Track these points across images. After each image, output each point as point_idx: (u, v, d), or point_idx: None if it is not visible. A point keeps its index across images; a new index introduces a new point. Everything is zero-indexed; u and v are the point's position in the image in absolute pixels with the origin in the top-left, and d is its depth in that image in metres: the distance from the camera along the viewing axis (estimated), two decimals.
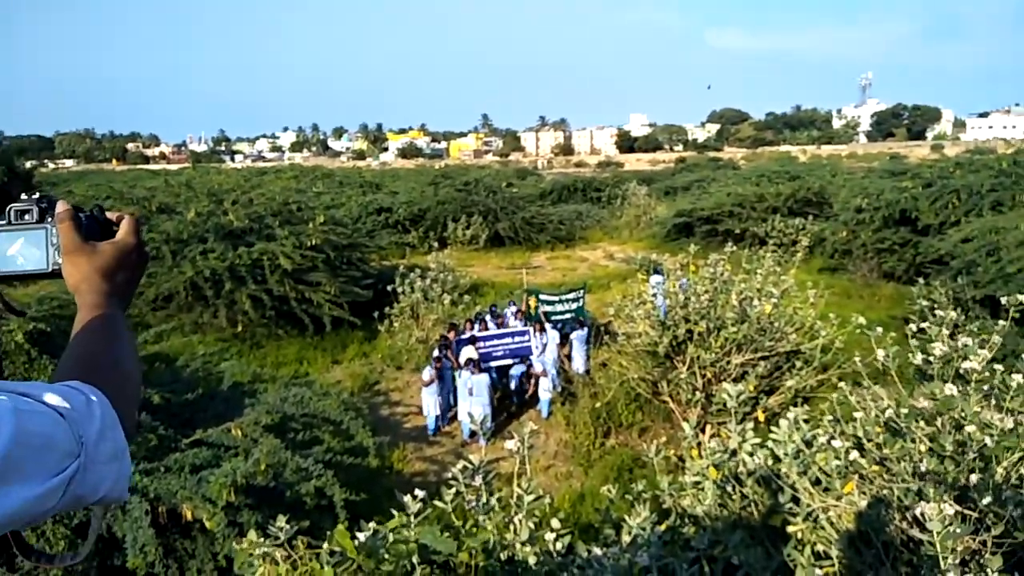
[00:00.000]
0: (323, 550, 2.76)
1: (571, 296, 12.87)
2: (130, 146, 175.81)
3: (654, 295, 9.21)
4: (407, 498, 3.19)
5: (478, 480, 3.51)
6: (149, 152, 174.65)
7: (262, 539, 2.94)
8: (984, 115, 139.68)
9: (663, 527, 3.83)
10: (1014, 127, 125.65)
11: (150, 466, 5.85)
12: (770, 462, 4.15)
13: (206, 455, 6.08)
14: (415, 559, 2.69)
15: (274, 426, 6.96)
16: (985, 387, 3.74)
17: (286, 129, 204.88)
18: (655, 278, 12.06)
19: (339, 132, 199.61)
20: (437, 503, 3.44)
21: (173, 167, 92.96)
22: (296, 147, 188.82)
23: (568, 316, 12.52)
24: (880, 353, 4.23)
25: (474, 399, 9.93)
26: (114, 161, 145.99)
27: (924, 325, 4.30)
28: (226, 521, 5.48)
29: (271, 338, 14.28)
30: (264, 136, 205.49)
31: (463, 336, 11.69)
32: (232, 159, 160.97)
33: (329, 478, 6.20)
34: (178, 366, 8.72)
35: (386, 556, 2.63)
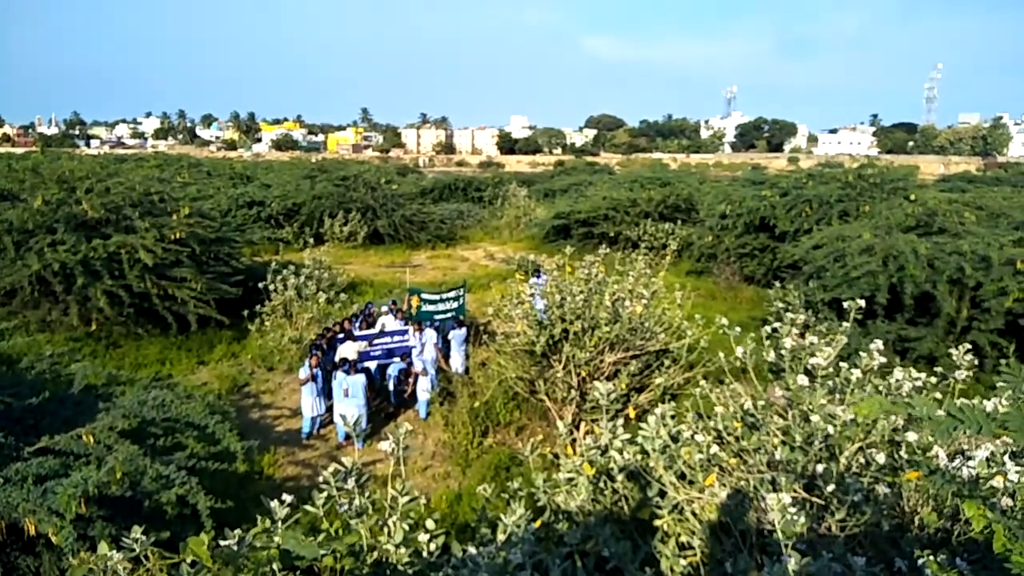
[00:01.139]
0: (182, 559, 2.61)
1: (452, 295, 12.84)
2: None
3: (532, 295, 9.37)
4: (274, 503, 3.07)
5: (351, 483, 3.44)
6: None
7: (113, 552, 2.73)
8: (834, 131, 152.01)
9: (537, 524, 3.89)
10: (859, 143, 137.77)
11: None
12: (639, 457, 4.31)
13: (53, 464, 5.59)
14: (276, 566, 2.59)
15: (131, 432, 6.49)
16: (830, 382, 4.06)
17: (149, 114, 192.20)
18: (535, 279, 12.26)
19: (208, 120, 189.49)
20: (307, 508, 3.34)
21: (18, 150, 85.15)
22: (160, 134, 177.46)
23: (449, 315, 12.49)
24: (739, 351, 4.51)
25: (349, 400, 9.71)
26: None
27: (776, 325, 4.60)
28: (75, 535, 5.07)
29: (130, 337, 13.35)
30: (124, 121, 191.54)
31: (339, 336, 11.43)
32: (88, 144, 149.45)
33: (193, 485, 5.86)
34: (21, 368, 7.95)
35: (245, 564, 2.52)
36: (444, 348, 12.09)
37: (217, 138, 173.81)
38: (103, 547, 2.75)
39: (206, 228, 15.07)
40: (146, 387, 7.62)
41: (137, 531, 2.75)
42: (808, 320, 5.57)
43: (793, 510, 2.91)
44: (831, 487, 3.43)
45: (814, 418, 3.75)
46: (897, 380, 4.17)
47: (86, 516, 5.21)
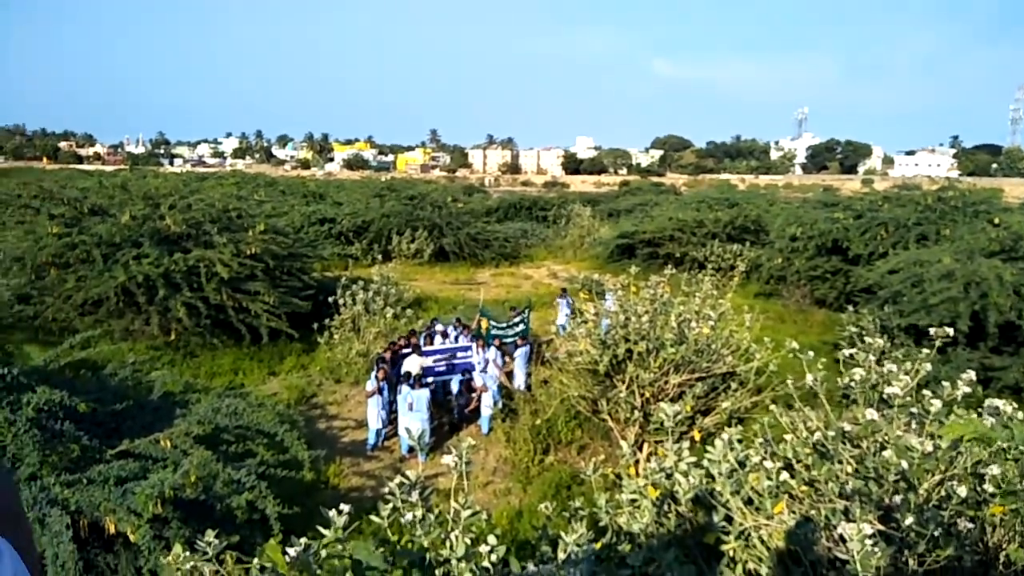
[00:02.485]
0: (253, 565, 2.69)
1: (517, 320, 13.06)
2: (63, 145, 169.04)
3: (595, 314, 9.32)
4: (332, 512, 3.14)
5: (415, 495, 3.48)
6: (83, 152, 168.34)
7: (189, 554, 2.84)
8: (911, 153, 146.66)
9: (599, 544, 3.85)
10: (938, 165, 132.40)
11: (72, 478, 5.60)
12: (705, 481, 4.22)
13: (132, 467, 5.85)
14: (348, 575, 2.64)
15: (205, 437, 6.75)
16: (911, 410, 3.90)
17: (229, 135, 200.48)
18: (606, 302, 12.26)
19: (284, 140, 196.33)
20: (373, 518, 3.39)
21: (108, 168, 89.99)
22: (238, 153, 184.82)
23: (514, 337, 12.67)
24: (809, 377, 4.38)
25: (413, 414, 9.84)
26: (45, 159, 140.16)
27: (853, 351, 4.46)
28: (151, 535, 5.28)
29: (206, 347, 13.87)
30: (205, 141, 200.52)
31: (404, 351, 11.62)
32: (171, 163, 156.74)
33: (262, 490, 6.04)
34: (106, 374, 8.37)
35: (319, 572, 2.57)
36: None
37: (292, 157, 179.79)
38: (177, 548, 2.86)
39: (280, 244, 15.59)
40: (220, 395, 7.91)
41: (210, 535, 2.85)
42: (884, 346, 5.37)
43: (871, 542, 2.80)
44: (909, 519, 3.29)
45: (887, 453, 3.61)
46: (987, 410, 3.97)
47: (162, 517, 5.42)
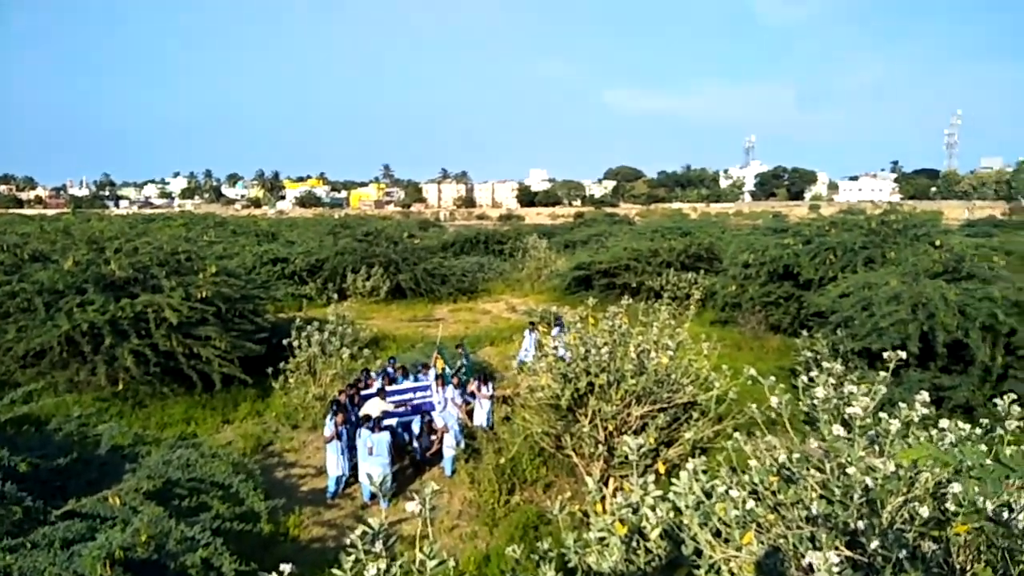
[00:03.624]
0: None
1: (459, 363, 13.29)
2: (1, 188, 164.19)
3: (555, 347, 9.29)
4: (284, 567, 3.03)
5: (378, 546, 3.36)
6: (23, 196, 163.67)
7: None
8: (855, 178, 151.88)
9: None
10: (880, 190, 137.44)
11: (14, 542, 5.29)
12: (672, 515, 4.19)
13: (79, 527, 5.56)
14: None
15: (156, 492, 6.47)
16: (869, 432, 3.94)
17: (177, 174, 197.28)
18: (555, 331, 12.32)
19: (233, 179, 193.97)
20: (335, 572, 3.27)
21: (51, 212, 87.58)
22: (187, 193, 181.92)
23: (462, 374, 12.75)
24: (774, 400, 4.41)
25: (374, 458, 9.62)
26: None
27: (813, 375, 4.52)
28: None
29: (155, 397, 13.41)
30: (152, 181, 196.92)
31: (366, 392, 11.42)
32: (117, 205, 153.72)
33: (218, 547, 5.79)
34: (49, 429, 8.00)
35: None
36: (467, 402, 12.08)
37: (242, 196, 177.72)
38: None
39: (231, 286, 15.26)
40: (171, 447, 7.62)
41: None
42: (840, 370, 5.46)
43: (838, 569, 2.80)
44: (875, 543, 3.30)
45: (851, 470, 3.64)
46: (941, 431, 4.05)
47: None
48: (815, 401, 4.53)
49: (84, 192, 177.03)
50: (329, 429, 9.98)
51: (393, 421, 11.04)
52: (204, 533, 5.86)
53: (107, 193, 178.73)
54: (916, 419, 4.11)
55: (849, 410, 4.02)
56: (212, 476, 6.78)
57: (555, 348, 9.22)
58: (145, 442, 8.15)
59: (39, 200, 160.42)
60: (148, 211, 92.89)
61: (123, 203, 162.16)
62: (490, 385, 12.09)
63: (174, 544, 5.64)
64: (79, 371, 13.12)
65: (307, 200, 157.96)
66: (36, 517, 5.81)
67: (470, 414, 11.90)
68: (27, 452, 6.51)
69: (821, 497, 3.80)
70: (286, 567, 3.01)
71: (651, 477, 4.48)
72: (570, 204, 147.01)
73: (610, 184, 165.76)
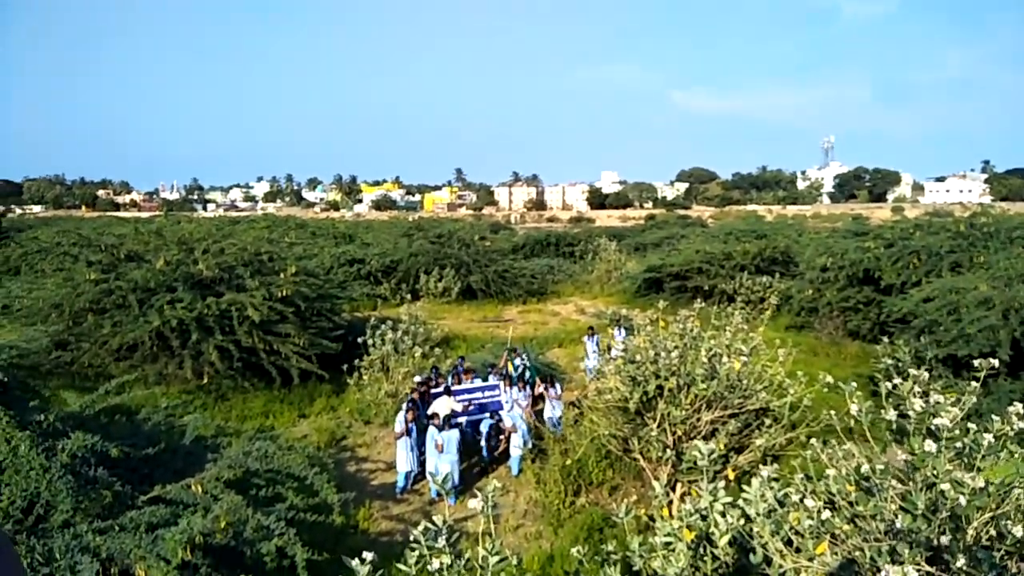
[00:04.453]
0: None
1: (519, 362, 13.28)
2: (100, 193, 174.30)
3: (623, 350, 9.20)
4: (355, 562, 3.09)
5: (441, 542, 3.41)
6: (120, 199, 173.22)
7: None
8: (941, 179, 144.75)
9: None
10: (969, 191, 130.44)
11: (104, 524, 5.62)
12: (742, 522, 4.10)
13: (163, 513, 5.86)
14: None
15: (236, 482, 6.75)
16: (956, 445, 3.76)
17: (260, 179, 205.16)
18: (616, 333, 12.25)
19: (313, 183, 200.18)
20: (400, 567, 3.33)
21: (144, 215, 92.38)
22: (269, 197, 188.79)
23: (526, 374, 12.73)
24: (854, 408, 4.24)
25: (442, 456, 9.76)
26: (83, 208, 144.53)
27: (897, 382, 4.33)
28: None
29: (237, 390, 13.98)
30: (237, 186, 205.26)
31: (435, 390, 11.58)
32: (204, 208, 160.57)
33: (291, 537, 6.00)
34: (139, 419, 8.47)
35: None
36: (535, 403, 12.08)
37: (321, 199, 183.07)
38: None
39: (310, 286, 15.77)
40: (251, 439, 7.93)
41: None
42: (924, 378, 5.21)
43: None
44: (961, 561, 3.14)
45: (944, 486, 3.46)
46: None
47: (192, 563, 5.40)
48: (909, 411, 4.33)
49: (175, 196, 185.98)
50: (400, 425, 10.18)
51: (463, 420, 11.17)
52: (279, 523, 6.07)
53: (195, 197, 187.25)
54: (1012, 432, 3.88)
55: (936, 421, 3.83)
56: (288, 468, 7.03)
57: (622, 351, 9.14)
58: (226, 433, 8.51)
59: (134, 203, 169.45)
60: (233, 214, 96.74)
61: (210, 206, 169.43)
62: (557, 387, 12.06)
63: (251, 532, 5.87)
64: (167, 365, 13.79)
65: (383, 203, 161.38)
66: (124, 501, 6.14)
67: (539, 414, 11.90)
68: (118, 440, 6.90)
69: (902, 510, 3.64)
70: (368, 555, 3.08)
71: (721, 483, 4.39)
72: (641, 206, 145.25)
73: (682, 186, 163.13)
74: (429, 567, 3.22)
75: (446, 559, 3.21)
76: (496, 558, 3.26)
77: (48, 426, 6.54)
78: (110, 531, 5.53)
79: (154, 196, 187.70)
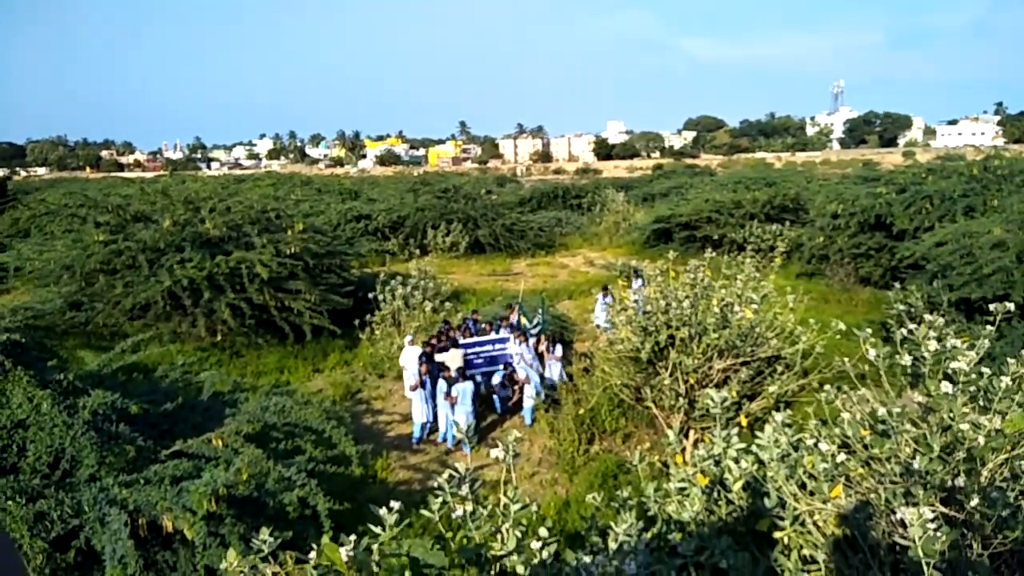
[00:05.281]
0: (308, 566, 2.69)
1: (536, 319, 13.21)
2: (104, 154, 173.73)
3: (635, 300, 9.21)
4: (383, 510, 3.14)
5: (464, 489, 3.47)
6: (123, 160, 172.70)
7: (246, 553, 2.87)
8: (953, 122, 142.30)
9: (649, 534, 3.81)
10: (982, 134, 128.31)
11: (129, 478, 5.75)
12: (756, 467, 4.14)
13: (186, 466, 5.99)
14: (407, 574, 2.64)
15: (255, 436, 6.87)
16: (971, 388, 3.77)
17: (263, 136, 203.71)
18: (635, 284, 12.18)
19: (316, 139, 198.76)
20: (424, 512, 3.39)
21: (148, 175, 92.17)
22: (273, 154, 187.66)
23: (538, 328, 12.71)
24: (872, 353, 4.24)
25: (458, 407, 9.89)
26: (88, 169, 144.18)
27: (912, 327, 4.32)
28: (207, 532, 5.39)
29: (251, 347, 14.12)
30: (241, 143, 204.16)
31: (440, 345, 11.66)
32: (208, 166, 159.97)
33: (312, 487, 6.12)
34: (157, 376, 8.58)
35: (376, 570, 2.58)
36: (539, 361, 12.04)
37: (325, 156, 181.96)
38: (232, 551, 2.89)
39: (318, 242, 15.78)
40: (267, 394, 8.05)
41: (265, 532, 2.88)
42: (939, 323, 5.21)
43: (933, 526, 2.71)
44: (975, 501, 3.18)
45: (963, 426, 3.47)
46: None
47: (217, 514, 5.53)
48: (924, 354, 4.32)
49: (178, 155, 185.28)
50: (413, 378, 10.30)
51: (477, 374, 11.26)
52: (300, 474, 6.20)
53: (199, 156, 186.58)
54: None
55: (953, 364, 3.84)
56: (306, 421, 7.14)
57: (635, 301, 9.14)
58: (243, 389, 8.62)
59: (138, 164, 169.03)
60: (238, 172, 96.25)
61: (214, 165, 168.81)
62: (559, 348, 11.96)
63: (272, 483, 5.99)
64: (181, 323, 13.92)
65: (387, 158, 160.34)
66: (147, 456, 6.28)
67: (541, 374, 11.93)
68: (137, 397, 7.01)
69: (918, 452, 3.68)
70: (395, 503, 3.13)
71: (734, 430, 4.43)
72: (648, 156, 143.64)
73: (690, 135, 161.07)
74: (452, 514, 3.29)
75: (469, 506, 3.26)
76: (517, 505, 3.32)
77: (68, 385, 6.64)
78: (135, 484, 5.66)
79: (158, 156, 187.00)
